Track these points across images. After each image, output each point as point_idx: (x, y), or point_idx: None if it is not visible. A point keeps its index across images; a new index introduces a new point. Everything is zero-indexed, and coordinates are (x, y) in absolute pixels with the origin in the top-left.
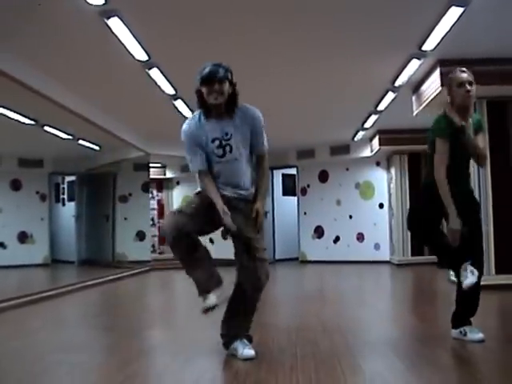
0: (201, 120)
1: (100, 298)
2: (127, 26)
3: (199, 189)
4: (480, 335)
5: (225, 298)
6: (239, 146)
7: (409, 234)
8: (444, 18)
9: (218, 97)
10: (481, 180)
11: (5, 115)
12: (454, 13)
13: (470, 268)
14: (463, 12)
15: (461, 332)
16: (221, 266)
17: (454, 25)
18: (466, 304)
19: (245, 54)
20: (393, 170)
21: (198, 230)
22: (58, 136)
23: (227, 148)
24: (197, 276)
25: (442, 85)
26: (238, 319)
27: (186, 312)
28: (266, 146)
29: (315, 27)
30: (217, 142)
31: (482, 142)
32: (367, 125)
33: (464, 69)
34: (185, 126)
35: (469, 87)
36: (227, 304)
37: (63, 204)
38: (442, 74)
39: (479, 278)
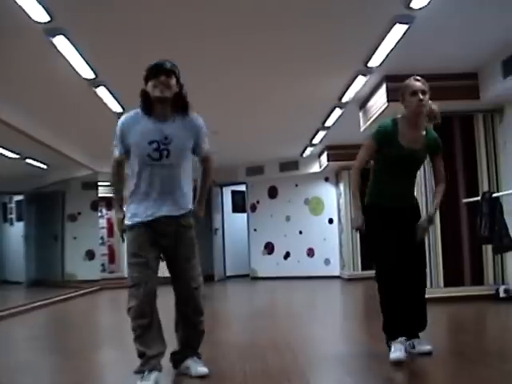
0: (139, 118)
1: (49, 318)
2: (73, 44)
3: (127, 222)
4: (428, 347)
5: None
6: (178, 153)
7: (358, 248)
8: (389, 34)
9: (163, 89)
10: (428, 193)
11: None
12: (399, 30)
13: (401, 345)
14: (408, 29)
15: (409, 345)
16: (170, 284)
17: (398, 41)
18: (415, 317)
19: (192, 71)
20: (341, 186)
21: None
22: (4, 155)
23: (164, 152)
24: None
25: (388, 100)
26: (187, 339)
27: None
28: (208, 149)
29: (262, 44)
30: (154, 145)
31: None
32: (315, 141)
33: (418, 77)
34: (122, 119)
35: (421, 96)
36: (174, 324)
37: (11, 224)
38: (388, 89)
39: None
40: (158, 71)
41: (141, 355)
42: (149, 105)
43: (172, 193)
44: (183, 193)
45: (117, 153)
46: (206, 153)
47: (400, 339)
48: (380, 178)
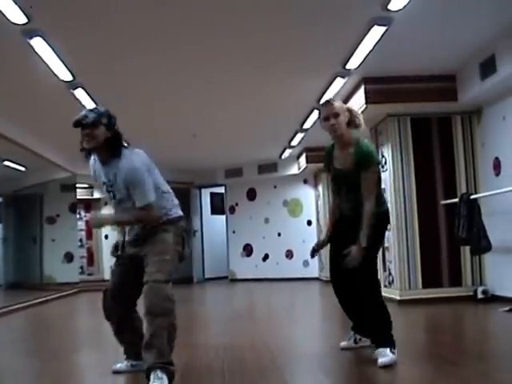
0: (95, 161)
1: (27, 321)
2: (51, 46)
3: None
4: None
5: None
6: (122, 191)
7: None
8: (367, 36)
9: (89, 141)
10: (406, 194)
11: None
12: (377, 32)
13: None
14: (385, 31)
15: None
16: None
17: (376, 43)
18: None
19: (168, 73)
20: (320, 188)
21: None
22: None
23: (111, 194)
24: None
25: (366, 102)
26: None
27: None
28: (144, 200)
29: (239, 46)
30: (104, 187)
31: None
32: (294, 143)
33: (330, 100)
34: (90, 161)
35: (333, 121)
36: None
37: None
38: (366, 91)
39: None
40: (81, 126)
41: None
42: (88, 151)
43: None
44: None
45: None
46: (140, 205)
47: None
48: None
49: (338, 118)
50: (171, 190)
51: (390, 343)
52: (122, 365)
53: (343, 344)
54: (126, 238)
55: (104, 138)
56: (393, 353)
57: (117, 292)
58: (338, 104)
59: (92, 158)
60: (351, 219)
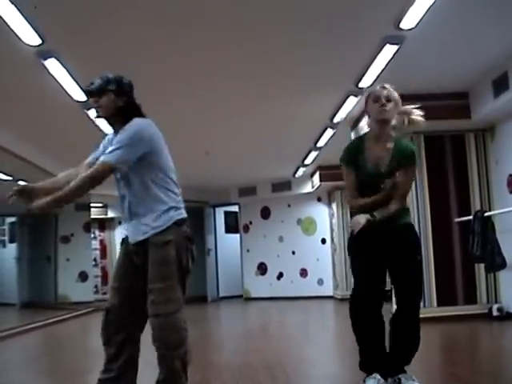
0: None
1: (42, 341)
2: (65, 67)
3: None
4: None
5: None
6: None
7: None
8: (379, 55)
9: (99, 109)
10: (420, 212)
11: None
12: (389, 50)
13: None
14: (398, 49)
15: (395, 381)
16: None
17: (389, 62)
18: (402, 351)
19: (183, 91)
20: (334, 206)
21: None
22: None
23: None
24: None
25: None
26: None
27: None
28: (107, 156)
29: (254, 64)
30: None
31: (403, 180)
32: (307, 161)
33: (386, 85)
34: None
35: (384, 101)
36: None
37: (4, 246)
38: None
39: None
40: (88, 94)
41: None
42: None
43: (134, 212)
44: (145, 212)
45: None
46: (101, 163)
47: (374, 375)
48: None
49: (389, 102)
50: (178, 183)
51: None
52: None
53: None
54: (130, 240)
55: (114, 107)
56: (414, 379)
57: (118, 314)
58: (392, 90)
59: (107, 136)
60: (386, 233)
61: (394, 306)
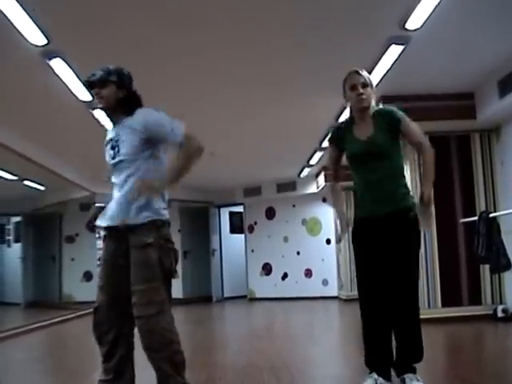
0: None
1: (46, 340)
2: (70, 67)
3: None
4: None
5: None
6: (128, 148)
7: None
8: (385, 55)
9: (99, 101)
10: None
11: None
12: (395, 51)
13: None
14: (403, 50)
15: (401, 380)
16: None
17: (394, 62)
18: (405, 350)
19: (188, 90)
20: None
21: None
22: (2, 177)
23: (116, 149)
24: None
25: None
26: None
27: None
28: (179, 130)
29: (259, 64)
30: (110, 144)
31: (414, 132)
32: (312, 161)
33: (359, 70)
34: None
35: (361, 90)
36: None
37: (9, 245)
38: None
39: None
40: (89, 85)
41: None
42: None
43: (125, 200)
44: (136, 203)
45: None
46: (175, 138)
47: (372, 374)
48: (355, 184)
49: (366, 89)
50: None
51: (415, 369)
52: None
53: None
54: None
55: (115, 98)
56: (419, 380)
57: (108, 312)
58: (366, 74)
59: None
60: (387, 220)
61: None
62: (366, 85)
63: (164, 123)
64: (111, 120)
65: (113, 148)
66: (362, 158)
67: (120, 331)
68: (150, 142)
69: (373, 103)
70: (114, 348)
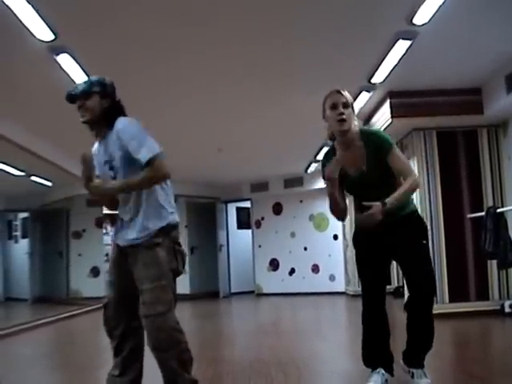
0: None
1: (53, 336)
2: (77, 62)
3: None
4: (425, 381)
5: None
6: (122, 165)
7: None
8: (392, 50)
9: (83, 113)
10: (432, 208)
11: None
12: (402, 46)
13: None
14: (411, 45)
15: (409, 372)
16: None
17: (402, 57)
18: (417, 342)
19: (195, 86)
20: (346, 202)
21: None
22: (9, 173)
23: (115, 170)
24: None
25: (392, 116)
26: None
27: None
28: (149, 150)
29: (267, 60)
30: (108, 165)
31: (399, 164)
32: (320, 157)
33: (341, 90)
34: (92, 149)
35: (342, 109)
36: None
37: (16, 241)
38: (391, 105)
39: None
40: (73, 98)
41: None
42: (89, 129)
43: (129, 217)
44: (139, 217)
45: None
46: (145, 159)
47: (379, 370)
48: (355, 206)
49: (347, 109)
50: (171, 188)
51: (423, 365)
52: None
53: None
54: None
55: (100, 109)
56: (427, 376)
57: (117, 307)
58: (348, 95)
59: (95, 146)
60: (386, 225)
61: (407, 294)
62: (347, 105)
63: (135, 137)
64: (98, 134)
65: (111, 168)
66: (356, 190)
67: (129, 325)
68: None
69: (353, 127)
70: (123, 342)
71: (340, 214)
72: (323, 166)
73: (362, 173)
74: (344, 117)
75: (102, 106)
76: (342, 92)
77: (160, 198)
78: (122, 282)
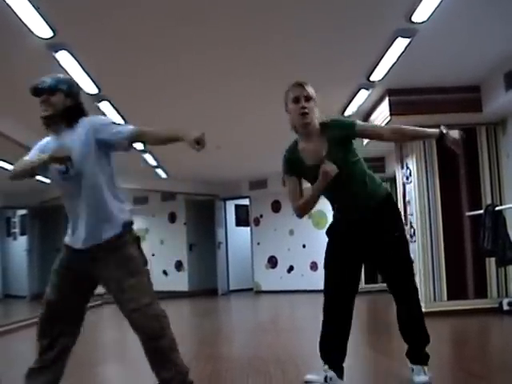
0: (50, 140)
1: None
2: (76, 59)
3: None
4: (422, 377)
5: None
6: (83, 160)
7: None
8: (391, 48)
9: (46, 108)
10: (431, 206)
11: None
12: (401, 44)
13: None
14: (409, 43)
15: (410, 369)
16: (173, 298)
17: (400, 55)
18: (411, 342)
19: (193, 85)
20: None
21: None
22: (8, 170)
23: (64, 167)
24: None
25: (390, 114)
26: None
27: (138, 346)
28: (127, 127)
29: (264, 57)
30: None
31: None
32: None
33: (303, 83)
34: (40, 142)
35: (304, 103)
36: None
37: (14, 238)
38: (390, 103)
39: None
40: (38, 92)
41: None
42: (45, 125)
43: (93, 213)
44: (104, 213)
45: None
46: (129, 129)
47: (324, 367)
48: (331, 206)
49: (309, 102)
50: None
51: (425, 361)
52: None
53: (310, 377)
54: (72, 243)
55: (62, 106)
56: (425, 373)
57: (58, 311)
58: (311, 88)
59: (45, 140)
60: (368, 220)
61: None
62: (309, 98)
63: (110, 123)
64: (54, 130)
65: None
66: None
67: (65, 328)
68: (101, 149)
69: (315, 119)
70: (54, 342)
71: (309, 210)
72: (286, 160)
73: (322, 161)
74: (306, 110)
75: (64, 105)
76: (305, 85)
77: (118, 196)
78: (68, 286)
